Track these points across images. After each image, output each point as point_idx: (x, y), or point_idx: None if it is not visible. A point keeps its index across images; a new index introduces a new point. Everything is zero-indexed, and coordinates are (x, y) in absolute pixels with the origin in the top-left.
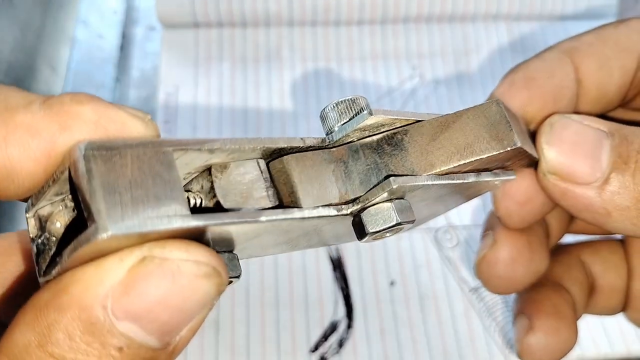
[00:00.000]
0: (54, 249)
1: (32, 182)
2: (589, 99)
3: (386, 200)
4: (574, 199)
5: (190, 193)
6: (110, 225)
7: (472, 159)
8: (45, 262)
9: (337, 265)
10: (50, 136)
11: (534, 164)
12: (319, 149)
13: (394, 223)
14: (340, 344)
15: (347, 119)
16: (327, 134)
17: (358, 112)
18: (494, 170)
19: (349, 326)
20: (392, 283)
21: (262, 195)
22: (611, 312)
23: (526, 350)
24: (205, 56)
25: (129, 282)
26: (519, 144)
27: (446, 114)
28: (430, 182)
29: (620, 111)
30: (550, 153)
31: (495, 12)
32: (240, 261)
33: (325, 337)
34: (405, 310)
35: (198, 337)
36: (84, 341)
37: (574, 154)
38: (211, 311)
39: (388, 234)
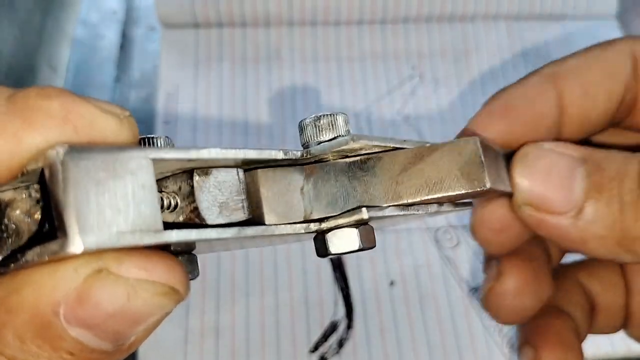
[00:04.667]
0: (12, 238)
1: None
2: (573, 124)
3: (352, 225)
4: (550, 228)
5: (163, 193)
6: (83, 241)
7: (440, 195)
8: (2, 252)
9: (337, 266)
10: (14, 133)
11: (508, 194)
12: (291, 165)
13: (356, 248)
14: (340, 344)
15: (326, 139)
16: (303, 146)
17: (338, 135)
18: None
19: (349, 326)
20: (392, 283)
21: (238, 207)
22: (612, 330)
23: None
24: (205, 56)
25: (83, 292)
26: (488, 186)
27: (422, 146)
28: (395, 214)
29: (611, 131)
30: (524, 184)
31: (495, 12)
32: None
33: (325, 337)
34: (405, 310)
35: (198, 339)
36: (35, 344)
37: (547, 184)
38: (211, 313)
39: (351, 254)
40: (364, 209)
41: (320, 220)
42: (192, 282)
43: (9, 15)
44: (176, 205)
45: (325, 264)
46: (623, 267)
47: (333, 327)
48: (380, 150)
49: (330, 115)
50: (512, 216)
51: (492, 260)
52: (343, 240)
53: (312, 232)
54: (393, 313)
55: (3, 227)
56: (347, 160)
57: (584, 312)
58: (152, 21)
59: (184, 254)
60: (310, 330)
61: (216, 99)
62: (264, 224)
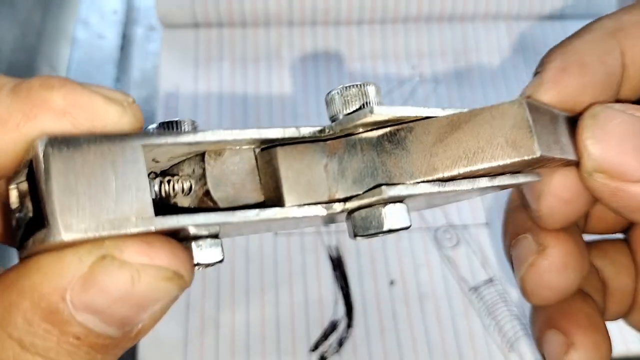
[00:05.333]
0: (23, 227)
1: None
2: (632, 85)
3: (381, 203)
4: (627, 198)
5: (175, 177)
6: (63, 230)
7: (481, 167)
8: (19, 238)
9: (337, 265)
10: (16, 125)
11: (572, 162)
12: (315, 141)
13: (384, 229)
14: (340, 343)
15: (353, 109)
16: (331, 120)
17: (365, 103)
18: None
19: (349, 325)
20: (392, 282)
21: (255, 188)
22: (621, 316)
23: None
24: (206, 56)
25: (89, 278)
26: (538, 154)
27: (459, 112)
28: (428, 191)
29: None
30: (595, 149)
31: (495, 12)
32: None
33: (325, 336)
34: (405, 309)
35: (198, 337)
36: (42, 328)
37: (622, 149)
38: (211, 311)
39: (380, 235)
40: (383, 187)
41: (346, 199)
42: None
43: (9, 14)
44: (190, 189)
45: (325, 262)
46: (632, 249)
47: (333, 326)
48: (409, 120)
49: (360, 85)
50: (579, 186)
51: (523, 235)
52: (369, 221)
53: (337, 212)
54: (393, 312)
55: (24, 215)
56: (376, 133)
57: (601, 296)
58: (152, 21)
59: (207, 238)
60: (310, 330)
61: (216, 99)
62: (283, 206)
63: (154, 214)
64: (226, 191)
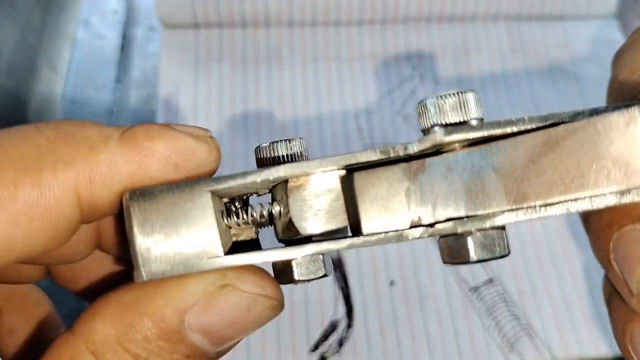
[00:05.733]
0: None
1: (109, 213)
2: None
3: (468, 233)
4: None
5: (267, 204)
6: (145, 273)
7: (580, 196)
8: None
9: (337, 265)
10: (130, 174)
11: None
12: (394, 163)
13: (472, 260)
14: (340, 343)
15: (450, 122)
16: (423, 132)
17: (466, 120)
18: None
19: (349, 325)
20: (391, 283)
21: (337, 213)
22: None
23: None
24: (206, 56)
25: (209, 302)
26: None
27: (558, 127)
28: (514, 220)
29: None
30: None
31: (495, 12)
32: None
33: (325, 336)
34: (405, 309)
35: None
36: (158, 345)
37: None
38: None
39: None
40: (450, 223)
41: (428, 225)
42: None
43: (9, 15)
44: (279, 213)
45: None
46: None
47: (333, 327)
48: (505, 134)
49: (458, 94)
50: None
51: (632, 226)
52: (487, 244)
53: (417, 238)
54: (393, 313)
55: None
56: (463, 151)
57: None
58: (153, 21)
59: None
60: (310, 330)
61: (216, 99)
62: (361, 233)
63: (223, 254)
64: (308, 219)
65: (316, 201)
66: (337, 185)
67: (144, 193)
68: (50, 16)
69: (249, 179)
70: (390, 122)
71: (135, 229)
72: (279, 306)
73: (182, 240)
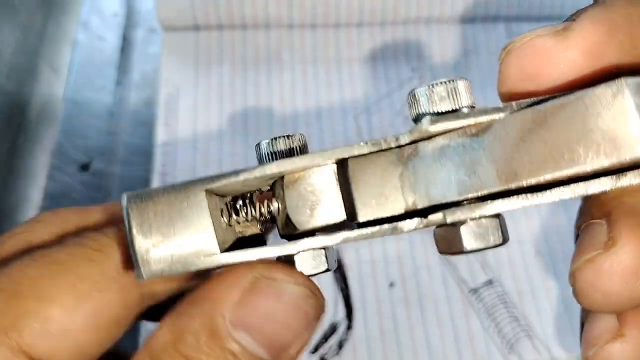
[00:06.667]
0: None
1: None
2: None
3: (462, 221)
4: None
5: (256, 204)
6: (144, 273)
7: (571, 172)
8: None
9: (337, 266)
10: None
11: None
12: (389, 150)
13: (465, 250)
14: (340, 345)
15: (442, 110)
16: (414, 121)
17: (456, 108)
18: None
19: (349, 327)
20: (391, 284)
21: (336, 205)
22: None
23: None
24: (206, 58)
25: (244, 297)
26: None
27: (545, 103)
28: (504, 209)
29: None
30: None
31: (495, 13)
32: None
33: (325, 338)
34: (404, 311)
35: None
36: (207, 345)
37: None
38: None
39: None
40: (440, 214)
41: (423, 213)
42: None
43: (10, 17)
44: (278, 209)
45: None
46: None
47: (333, 328)
48: (489, 121)
49: (448, 82)
50: None
51: (599, 221)
52: (481, 232)
53: (412, 229)
54: (393, 314)
55: None
56: (455, 134)
57: None
58: (153, 23)
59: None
60: None
61: (217, 101)
62: (358, 221)
63: (219, 252)
64: (305, 213)
65: (312, 195)
66: (332, 179)
67: (141, 195)
68: (51, 18)
69: (242, 177)
70: (389, 124)
71: (134, 231)
72: (312, 296)
73: (179, 239)
